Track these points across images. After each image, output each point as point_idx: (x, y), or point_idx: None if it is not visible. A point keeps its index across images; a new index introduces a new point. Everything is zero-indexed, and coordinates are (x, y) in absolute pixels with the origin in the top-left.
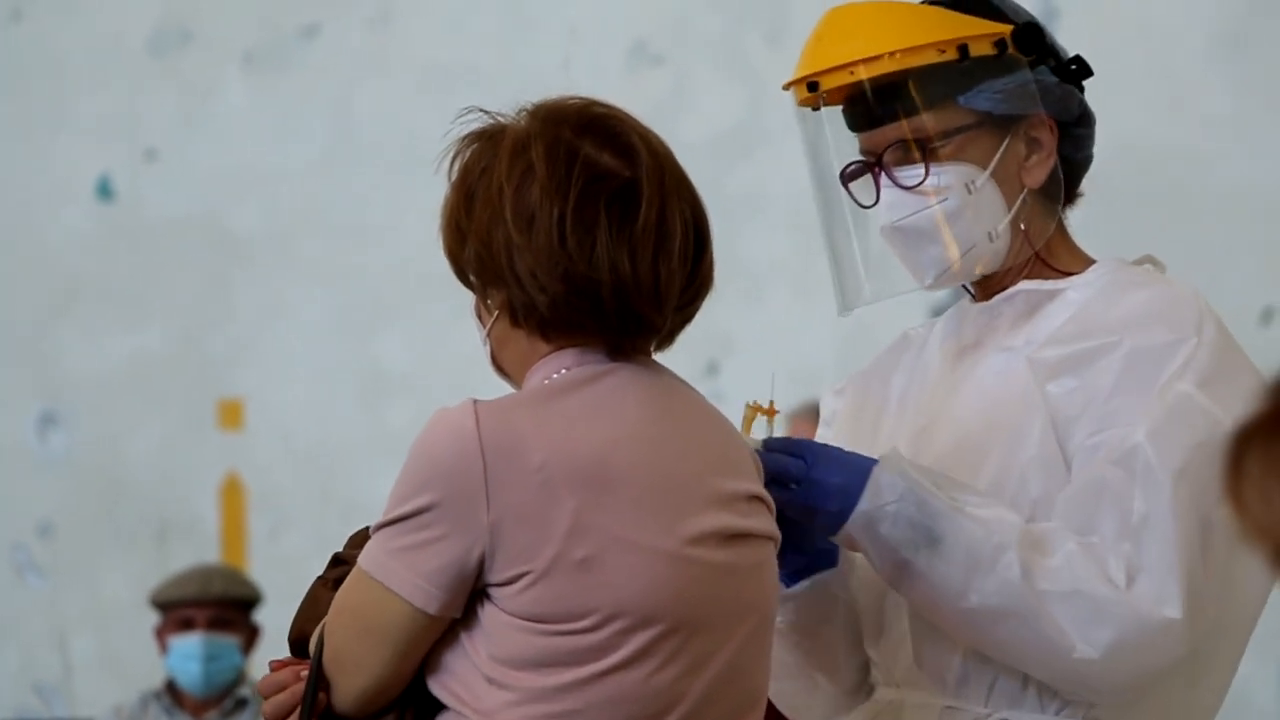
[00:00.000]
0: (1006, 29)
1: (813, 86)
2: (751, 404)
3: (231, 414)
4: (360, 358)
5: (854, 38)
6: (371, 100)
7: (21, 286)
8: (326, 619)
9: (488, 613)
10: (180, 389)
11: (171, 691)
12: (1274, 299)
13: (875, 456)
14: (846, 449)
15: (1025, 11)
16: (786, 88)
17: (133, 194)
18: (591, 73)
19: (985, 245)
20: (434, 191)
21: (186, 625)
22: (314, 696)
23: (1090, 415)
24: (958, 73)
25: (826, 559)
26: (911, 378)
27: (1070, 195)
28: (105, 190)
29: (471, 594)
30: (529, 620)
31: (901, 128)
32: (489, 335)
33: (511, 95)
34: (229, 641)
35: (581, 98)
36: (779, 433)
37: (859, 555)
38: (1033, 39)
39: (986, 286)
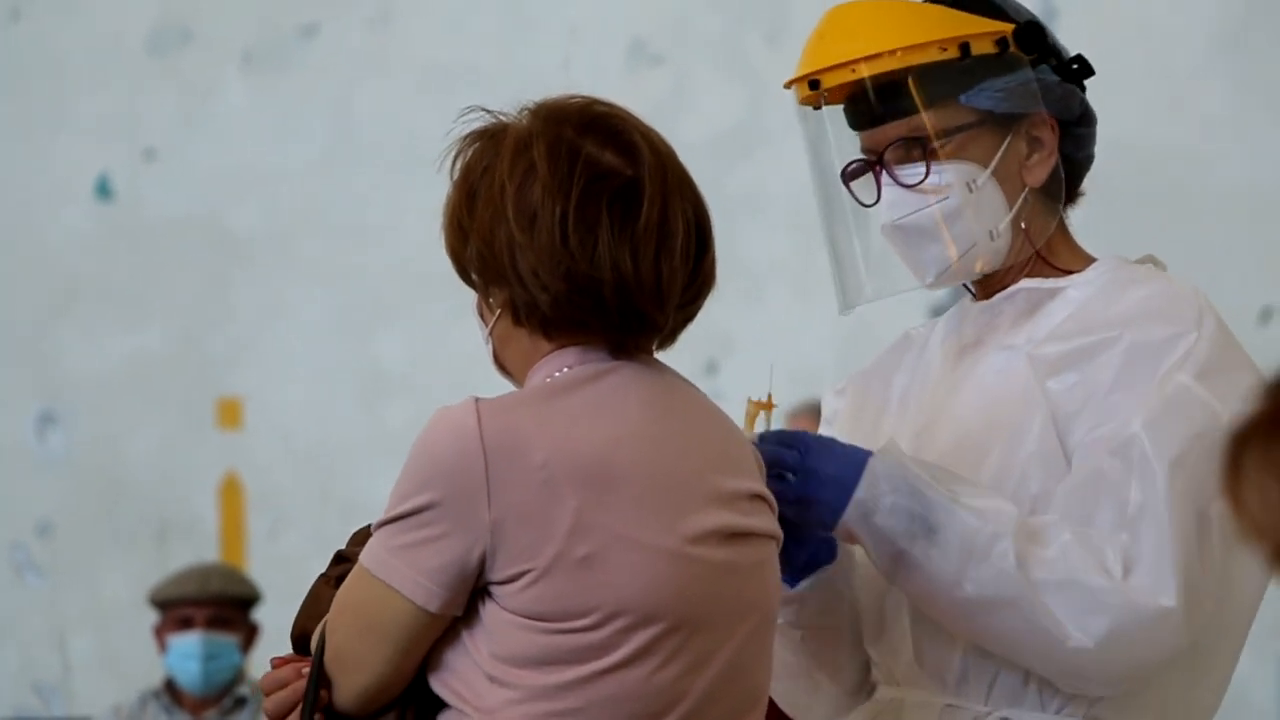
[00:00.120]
0: (1008, 28)
1: (814, 84)
2: (755, 400)
3: (231, 414)
4: (359, 357)
5: (855, 36)
6: (371, 100)
7: (21, 286)
8: (328, 616)
9: (489, 611)
10: (179, 388)
11: (170, 690)
12: (1272, 298)
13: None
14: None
15: (1027, 10)
16: (788, 86)
17: (132, 193)
18: (591, 72)
19: (986, 244)
20: (434, 191)
21: (185, 624)
22: (315, 694)
23: (1090, 410)
24: (959, 71)
25: (826, 551)
26: (913, 377)
27: (1071, 194)
28: (104, 190)
29: (473, 592)
30: (530, 618)
31: (903, 126)
32: (491, 334)
33: (511, 95)
34: (228, 640)
35: (583, 96)
36: (778, 427)
37: (860, 554)
38: (1034, 38)
39: (987, 285)
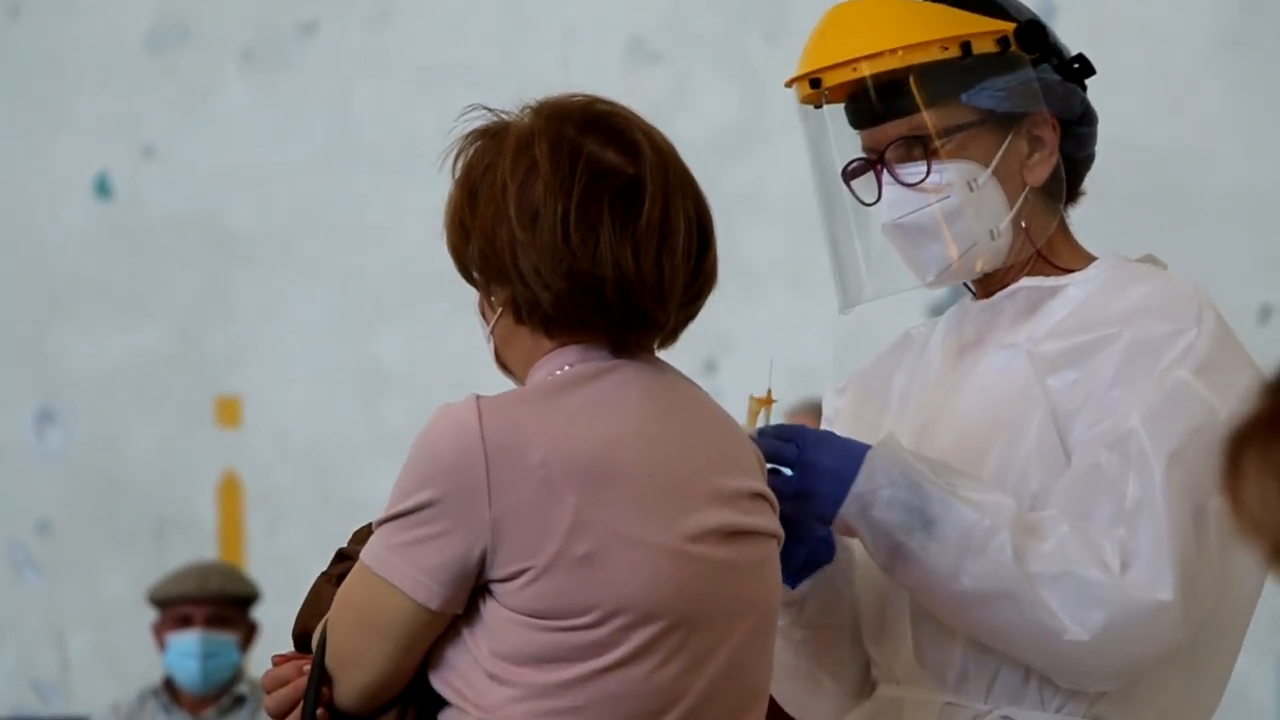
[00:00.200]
0: (1009, 26)
1: (815, 83)
2: (756, 397)
3: (230, 412)
4: (358, 356)
5: (857, 34)
6: (370, 98)
7: (19, 284)
8: (329, 614)
9: (489, 608)
10: (178, 387)
11: (169, 688)
12: (1271, 297)
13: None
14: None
15: (1028, 9)
16: (789, 84)
17: (131, 192)
18: (590, 71)
19: (987, 243)
20: (433, 190)
21: (184, 622)
22: (316, 692)
23: (1090, 407)
24: (960, 70)
25: (825, 551)
26: (913, 376)
27: (1072, 193)
28: (103, 188)
29: (473, 590)
30: (530, 616)
31: (904, 125)
32: (493, 332)
33: (511, 93)
34: (227, 639)
35: (585, 95)
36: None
37: (859, 552)
38: (1035, 37)
39: (987, 284)
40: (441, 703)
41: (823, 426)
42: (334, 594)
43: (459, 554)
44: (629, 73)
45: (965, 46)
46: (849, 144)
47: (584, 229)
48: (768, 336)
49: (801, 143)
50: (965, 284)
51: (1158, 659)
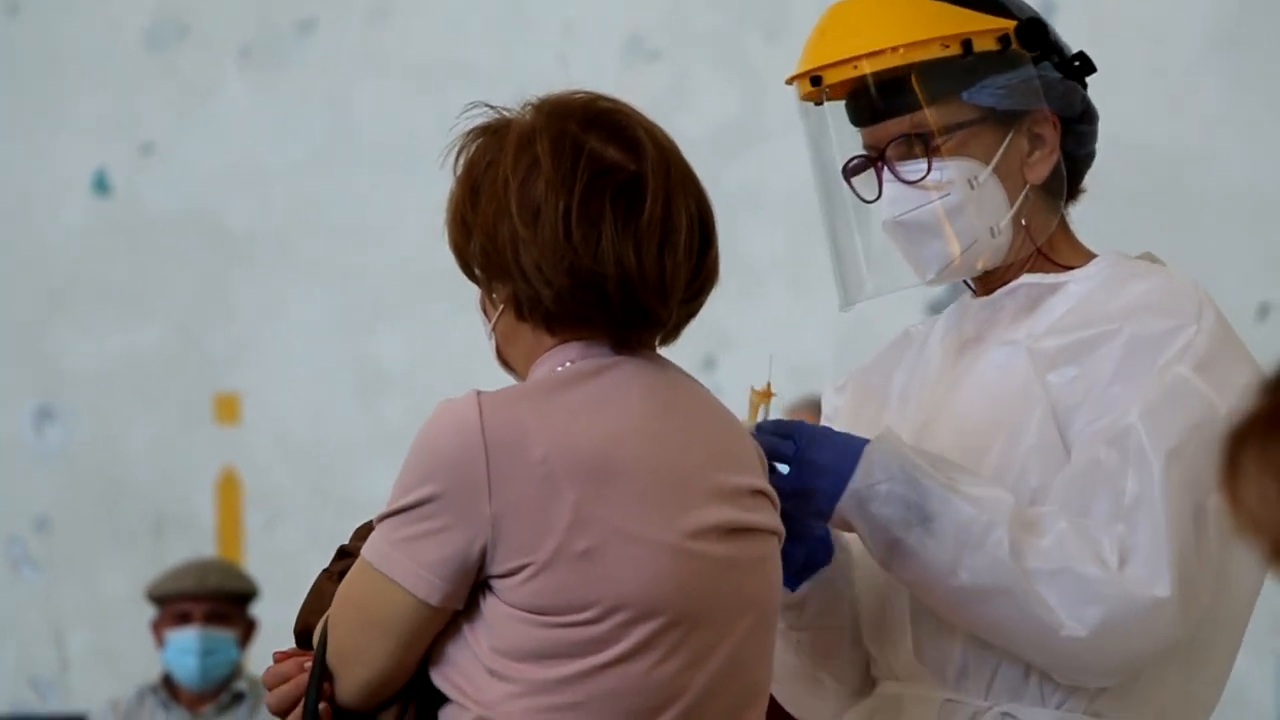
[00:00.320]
0: (1010, 24)
1: (816, 81)
2: (758, 390)
3: (228, 409)
4: (357, 354)
5: (858, 32)
6: (368, 96)
7: (18, 282)
8: (330, 611)
9: (489, 604)
10: (177, 384)
11: (168, 685)
12: (1270, 295)
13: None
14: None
15: (1029, 7)
16: (790, 82)
17: (129, 189)
18: (588, 68)
19: (987, 240)
20: (432, 188)
21: (183, 619)
22: (318, 689)
23: (1090, 403)
24: (961, 68)
25: (823, 550)
26: (913, 374)
27: (1072, 191)
28: (102, 186)
29: (474, 586)
30: (530, 612)
31: (905, 122)
32: (494, 329)
33: (509, 92)
34: (225, 636)
35: (586, 92)
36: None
37: (858, 550)
38: (1036, 34)
39: (987, 282)
40: (442, 699)
41: (822, 424)
42: (335, 591)
43: (459, 549)
44: (628, 71)
45: (966, 44)
46: (849, 141)
47: (586, 226)
48: (767, 334)
49: (801, 141)
50: (965, 281)
51: (1156, 655)
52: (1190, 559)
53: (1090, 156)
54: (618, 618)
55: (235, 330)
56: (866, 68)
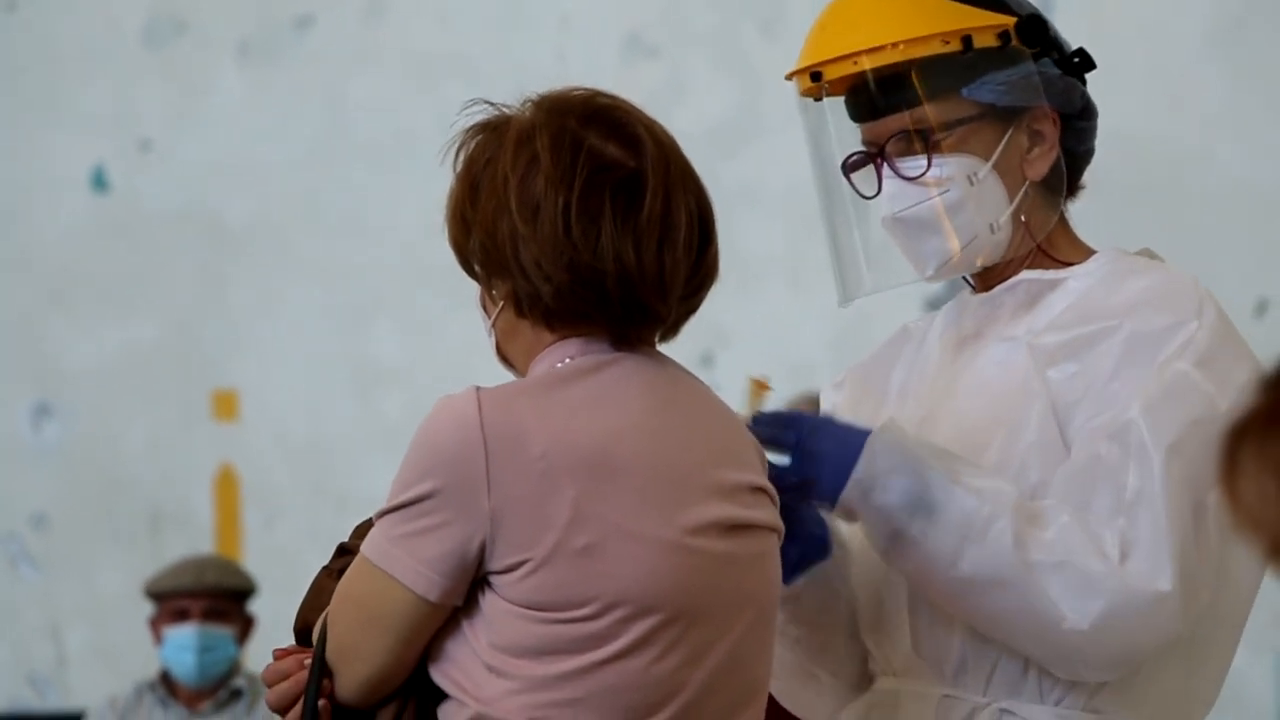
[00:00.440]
0: (1010, 21)
1: (816, 76)
2: (757, 378)
3: (226, 405)
4: (355, 351)
5: (858, 28)
6: (366, 92)
7: (16, 278)
8: (329, 608)
9: (488, 600)
10: (175, 381)
11: (166, 682)
12: (1268, 291)
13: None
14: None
15: (1029, 4)
16: (789, 77)
17: (127, 185)
18: (586, 64)
19: (987, 237)
20: (429, 184)
21: (181, 616)
22: (317, 685)
23: (1090, 399)
24: (961, 64)
25: (820, 547)
26: (911, 370)
27: (1072, 188)
28: (99, 182)
29: (473, 582)
30: (529, 608)
31: (904, 118)
32: (494, 326)
33: (506, 88)
34: (223, 632)
35: (586, 88)
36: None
37: (856, 546)
38: (1036, 31)
39: (987, 278)
40: (441, 695)
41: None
42: (335, 588)
43: (458, 545)
44: (625, 67)
45: (966, 40)
46: (849, 137)
47: (585, 222)
48: (765, 331)
49: (799, 137)
50: (964, 278)
51: (1156, 649)
52: (1191, 553)
53: (1090, 153)
54: (617, 614)
55: (233, 327)
56: (866, 63)
